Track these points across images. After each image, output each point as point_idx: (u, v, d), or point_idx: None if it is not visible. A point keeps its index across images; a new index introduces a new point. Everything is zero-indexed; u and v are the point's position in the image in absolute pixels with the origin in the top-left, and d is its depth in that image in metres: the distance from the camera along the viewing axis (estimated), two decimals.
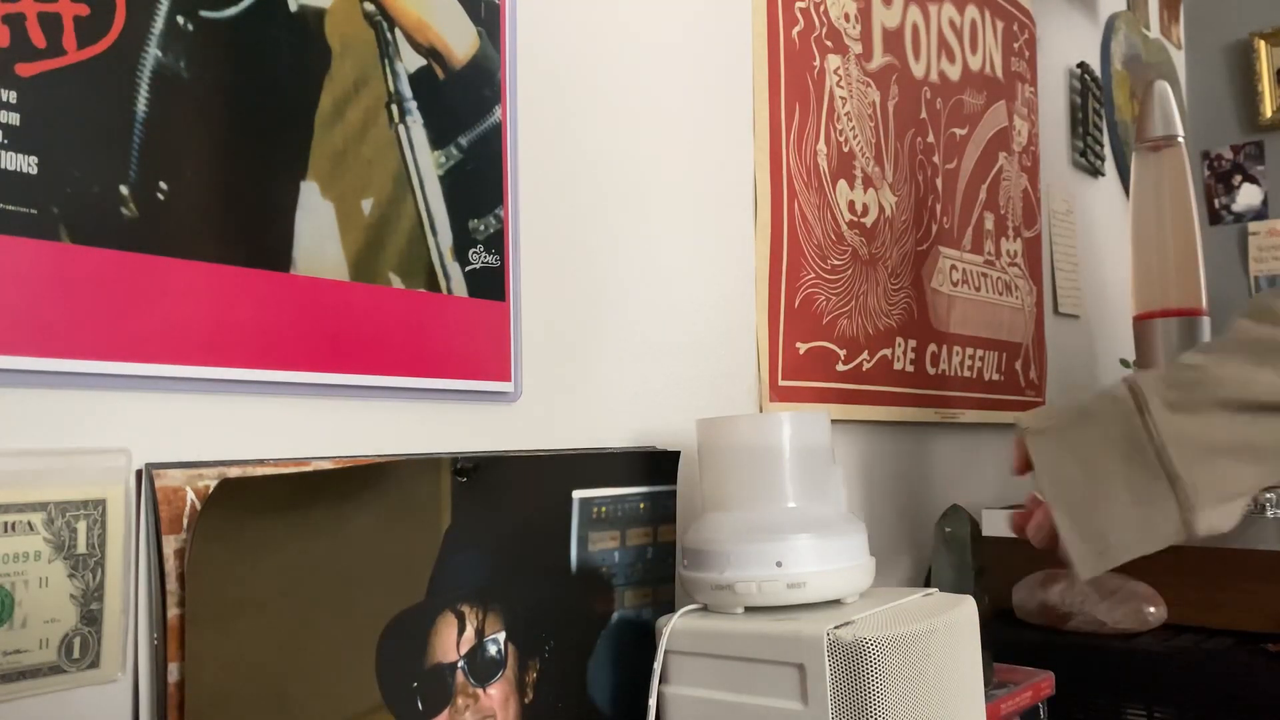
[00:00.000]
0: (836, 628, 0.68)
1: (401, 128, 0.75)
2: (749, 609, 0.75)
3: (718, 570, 0.76)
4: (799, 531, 0.75)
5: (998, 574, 1.23)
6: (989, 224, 1.56)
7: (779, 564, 0.74)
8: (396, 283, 0.74)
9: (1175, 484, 0.76)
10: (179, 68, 0.62)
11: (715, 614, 0.77)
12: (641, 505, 0.87)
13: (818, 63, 1.19)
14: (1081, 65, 1.94)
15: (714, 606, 0.77)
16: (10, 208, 0.55)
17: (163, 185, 0.61)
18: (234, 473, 0.63)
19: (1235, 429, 0.77)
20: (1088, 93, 1.94)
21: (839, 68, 1.23)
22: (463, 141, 0.79)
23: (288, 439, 0.69)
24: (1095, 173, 1.98)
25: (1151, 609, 1.10)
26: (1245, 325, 0.81)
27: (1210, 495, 0.77)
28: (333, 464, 0.69)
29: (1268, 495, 1.17)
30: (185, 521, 0.61)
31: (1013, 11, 1.66)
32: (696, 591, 0.78)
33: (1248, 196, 2.38)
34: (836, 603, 0.76)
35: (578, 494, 0.82)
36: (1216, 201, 2.41)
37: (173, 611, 0.60)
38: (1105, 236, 2.01)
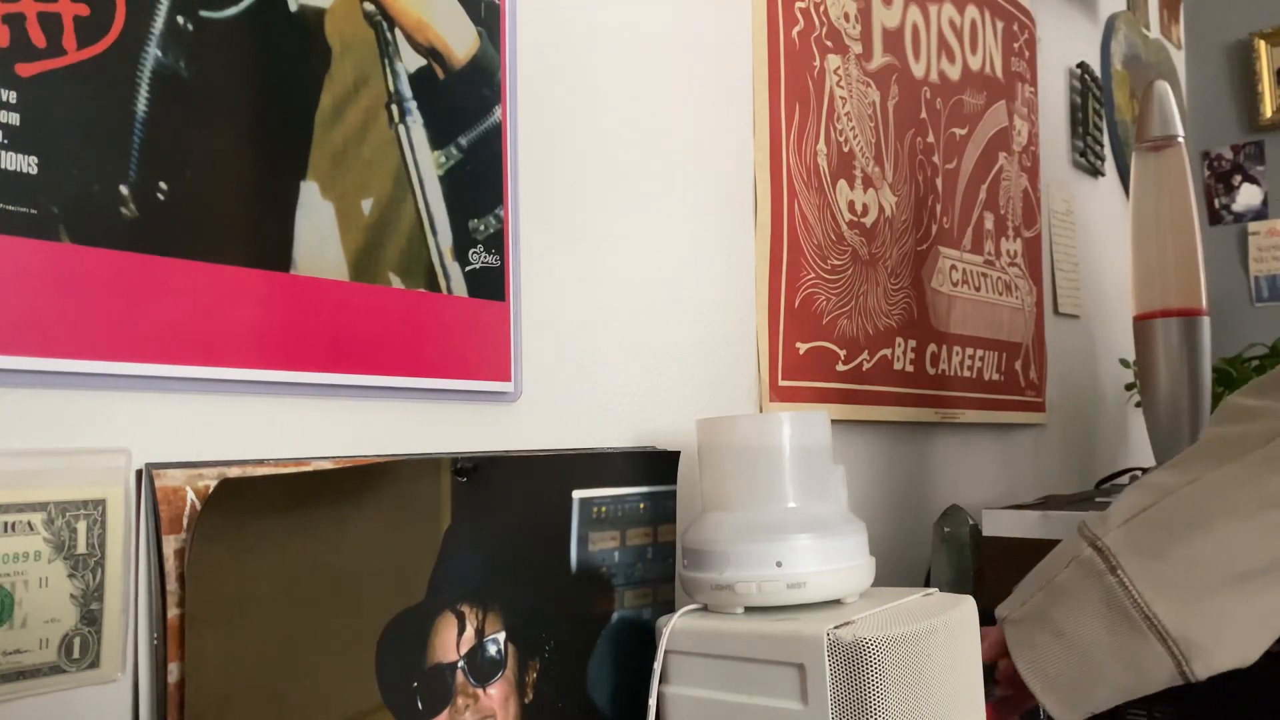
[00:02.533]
0: (836, 628, 0.68)
1: (401, 128, 0.75)
2: (749, 609, 0.75)
3: (718, 570, 0.76)
4: (799, 531, 0.75)
5: (998, 574, 1.23)
6: (989, 224, 1.56)
7: (779, 564, 0.74)
8: (396, 283, 0.74)
9: (1167, 642, 0.71)
10: (179, 68, 0.62)
11: (715, 614, 0.77)
12: (641, 505, 0.87)
13: (818, 63, 1.19)
14: (1081, 65, 1.94)
15: (714, 606, 0.77)
16: (10, 208, 0.55)
17: (163, 185, 0.61)
18: (234, 473, 0.63)
19: (1225, 553, 0.70)
20: (1088, 93, 1.94)
21: (839, 68, 1.23)
22: (463, 141, 0.79)
23: (288, 439, 0.69)
24: (1095, 173, 1.98)
25: None
26: (1209, 431, 0.76)
27: (1211, 637, 0.71)
28: (333, 464, 0.69)
29: None
30: (185, 521, 0.61)
31: (1013, 11, 1.66)
32: (696, 591, 0.78)
33: (1248, 196, 2.38)
34: (837, 603, 0.76)
35: (578, 494, 0.82)
36: (1216, 201, 2.41)
37: (173, 611, 0.60)
38: (1105, 236, 2.01)
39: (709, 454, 0.81)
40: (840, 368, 1.20)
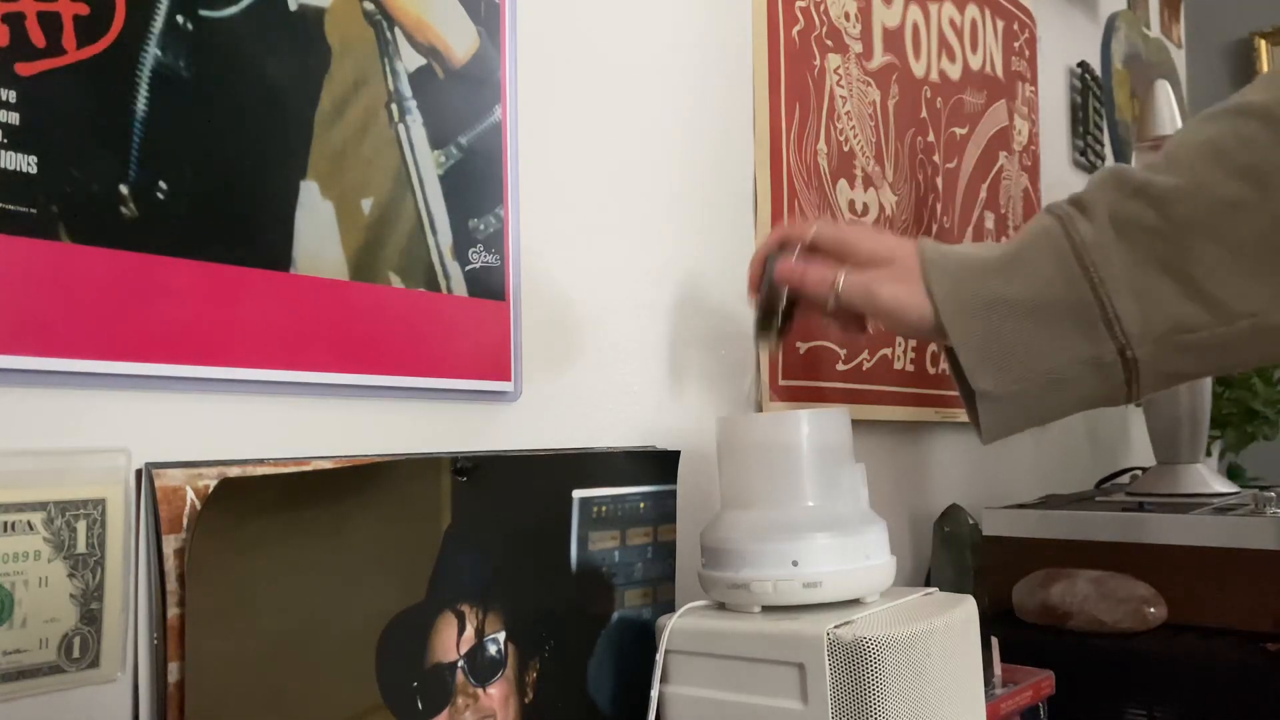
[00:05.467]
0: (836, 627, 0.68)
1: (401, 127, 0.75)
2: (766, 608, 0.75)
3: (734, 569, 0.76)
4: (815, 531, 0.74)
5: (998, 574, 1.23)
6: (989, 223, 1.56)
7: (795, 563, 0.73)
8: (396, 282, 0.74)
9: (1112, 322, 0.64)
10: (179, 67, 0.62)
11: (716, 613, 0.77)
12: (641, 505, 0.87)
13: (818, 62, 1.19)
14: (1082, 64, 1.94)
15: (731, 605, 0.77)
16: (10, 207, 0.55)
17: (163, 185, 0.61)
18: (234, 472, 0.63)
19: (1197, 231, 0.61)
20: (1088, 92, 1.94)
21: (839, 67, 1.23)
22: (462, 141, 0.79)
23: (288, 439, 0.69)
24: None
25: (1151, 609, 1.10)
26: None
27: (1162, 331, 0.64)
28: (333, 464, 0.69)
29: (1268, 495, 1.17)
30: (185, 521, 0.61)
31: (1013, 11, 1.66)
32: (713, 590, 0.78)
33: None
34: (856, 602, 0.75)
35: (578, 494, 0.82)
36: None
37: (173, 611, 0.60)
38: None
39: (728, 452, 0.81)
40: (840, 367, 1.20)
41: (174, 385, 0.62)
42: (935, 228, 1.41)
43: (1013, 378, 0.68)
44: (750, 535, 0.76)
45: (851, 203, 1.23)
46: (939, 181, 1.43)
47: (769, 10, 1.12)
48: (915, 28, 1.39)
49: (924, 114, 1.40)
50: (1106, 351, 0.66)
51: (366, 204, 0.72)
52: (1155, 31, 2.31)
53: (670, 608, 0.87)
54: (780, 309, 0.82)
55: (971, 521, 1.27)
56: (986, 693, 0.84)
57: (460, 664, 0.73)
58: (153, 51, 0.61)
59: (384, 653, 0.68)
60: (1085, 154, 1.92)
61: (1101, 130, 2.00)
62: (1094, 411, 1.91)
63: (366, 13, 0.73)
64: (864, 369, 1.24)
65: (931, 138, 1.41)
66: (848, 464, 0.79)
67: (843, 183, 1.22)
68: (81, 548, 0.58)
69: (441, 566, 0.72)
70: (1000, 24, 1.62)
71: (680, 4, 1.04)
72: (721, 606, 0.78)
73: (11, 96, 0.55)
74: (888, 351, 1.29)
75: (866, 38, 1.28)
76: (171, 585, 0.60)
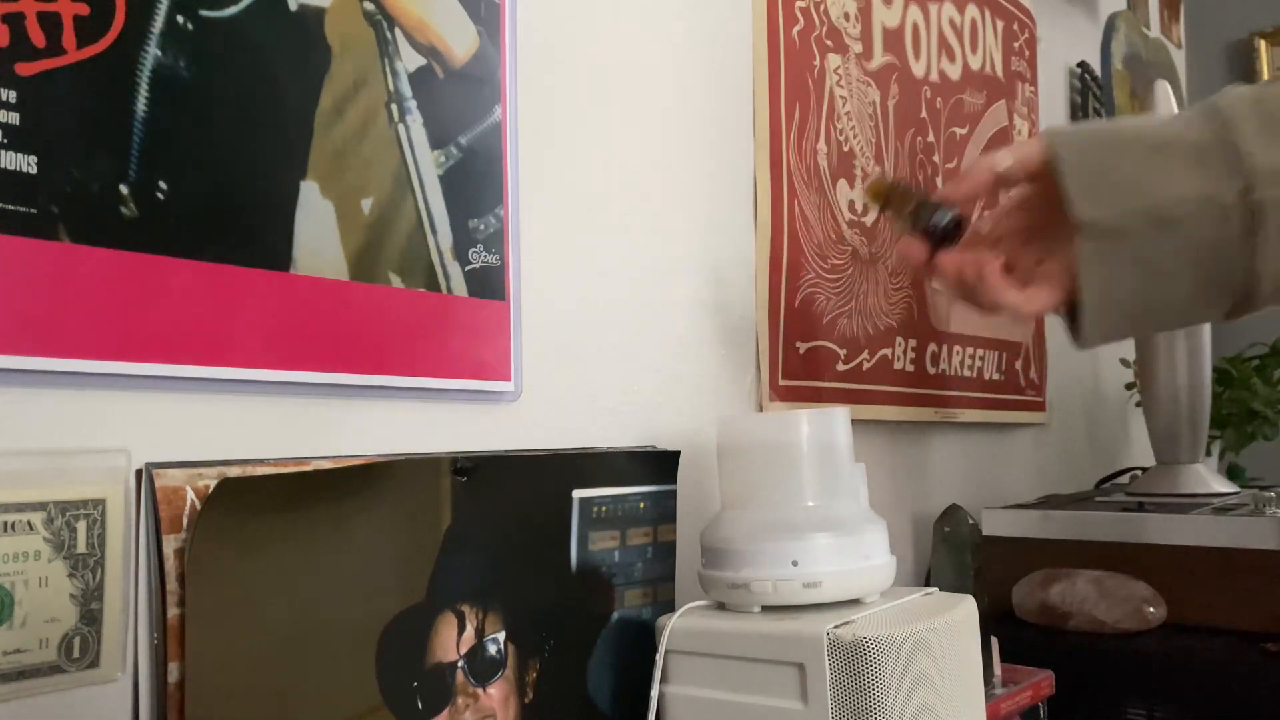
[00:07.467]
0: (836, 627, 0.68)
1: (401, 127, 0.75)
2: (766, 608, 0.75)
3: (734, 569, 0.76)
4: (815, 531, 0.74)
5: (998, 574, 1.23)
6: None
7: (795, 563, 0.74)
8: (396, 282, 0.74)
9: (1242, 159, 0.59)
10: (179, 67, 0.62)
11: (716, 613, 0.77)
12: (641, 505, 0.87)
13: (818, 62, 1.19)
14: (1081, 65, 1.94)
15: (731, 605, 0.77)
16: (10, 207, 0.55)
17: (163, 185, 0.61)
18: (234, 472, 0.63)
19: None
20: (1088, 92, 1.94)
21: (839, 67, 1.23)
22: (462, 141, 0.79)
23: (288, 439, 0.69)
24: None
25: (1151, 609, 1.10)
26: None
27: None
28: (333, 464, 0.69)
29: (1268, 495, 1.17)
30: (185, 521, 0.61)
31: (1013, 11, 1.66)
32: (713, 590, 0.78)
33: None
34: (856, 602, 0.75)
35: (578, 494, 0.82)
36: None
37: (173, 611, 0.60)
38: None
39: (728, 452, 0.81)
40: (840, 367, 1.20)
41: (174, 385, 0.62)
42: None
43: (1118, 210, 0.64)
44: (750, 535, 0.76)
45: (851, 203, 1.23)
46: (939, 182, 1.43)
47: (769, 10, 1.12)
48: (915, 28, 1.39)
49: (924, 114, 1.40)
50: (1226, 190, 0.61)
51: (366, 204, 0.72)
52: (1155, 31, 2.31)
53: (670, 608, 0.87)
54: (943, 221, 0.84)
55: (971, 521, 1.27)
56: (986, 693, 0.84)
57: (460, 664, 0.73)
58: (153, 51, 0.61)
59: (384, 653, 0.68)
60: None
61: None
62: (1094, 412, 1.92)
63: (366, 13, 0.73)
64: (864, 369, 1.24)
65: (931, 138, 1.41)
66: (848, 464, 0.79)
67: (843, 183, 1.22)
68: (81, 548, 0.58)
69: (441, 566, 0.72)
70: (1000, 24, 1.62)
71: (680, 4, 1.04)
72: (721, 606, 0.78)
73: (11, 96, 0.55)
74: (887, 351, 1.29)
75: (866, 38, 1.28)
76: (171, 585, 0.60)
